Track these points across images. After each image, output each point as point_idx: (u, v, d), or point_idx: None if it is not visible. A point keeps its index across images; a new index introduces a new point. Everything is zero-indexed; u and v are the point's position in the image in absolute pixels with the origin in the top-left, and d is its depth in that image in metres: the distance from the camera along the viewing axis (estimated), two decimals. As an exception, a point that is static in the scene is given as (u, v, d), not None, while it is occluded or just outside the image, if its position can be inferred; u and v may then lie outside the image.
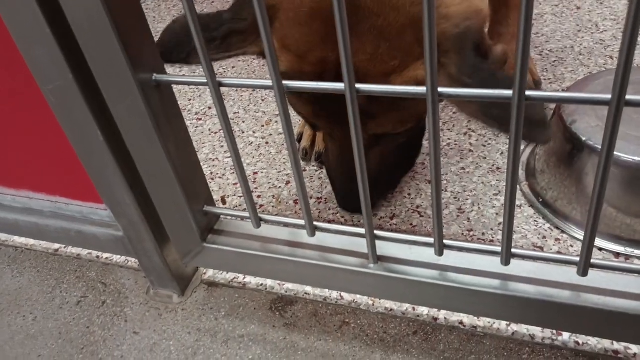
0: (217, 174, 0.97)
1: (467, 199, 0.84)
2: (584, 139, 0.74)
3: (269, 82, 0.48)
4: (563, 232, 0.77)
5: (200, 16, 0.52)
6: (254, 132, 1.06)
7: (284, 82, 0.48)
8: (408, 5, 0.61)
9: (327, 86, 0.48)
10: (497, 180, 0.87)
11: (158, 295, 0.78)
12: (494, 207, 0.82)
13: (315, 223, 0.60)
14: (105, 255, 0.85)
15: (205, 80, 0.50)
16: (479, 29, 0.61)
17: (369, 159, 0.71)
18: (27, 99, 0.65)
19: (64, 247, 0.88)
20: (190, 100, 1.18)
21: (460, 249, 0.57)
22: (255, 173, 0.96)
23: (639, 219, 0.73)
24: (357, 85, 0.46)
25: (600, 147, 0.72)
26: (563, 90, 1.01)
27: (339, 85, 0.46)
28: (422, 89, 0.44)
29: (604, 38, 1.16)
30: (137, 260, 0.82)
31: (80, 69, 0.54)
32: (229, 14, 0.67)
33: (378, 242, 0.59)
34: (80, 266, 0.85)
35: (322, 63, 0.64)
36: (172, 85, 0.58)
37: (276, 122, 1.08)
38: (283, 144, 1.02)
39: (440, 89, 0.44)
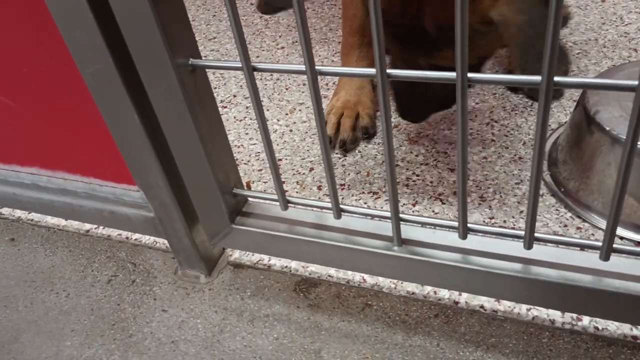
0: (242, 160, 0.99)
1: (488, 188, 0.85)
2: (607, 128, 0.75)
3: (302, 67, 0.50)
4: (584, 221, 0.78)
5: None
6: (278, 120, 1.08)
7: (317, 67, 0.50)
8: None
9: (359, 71, 0.50)
10: (519, 170, 0.88)
11: (186, 275, 0.81)
12: (516, 195, 0.83)
13: (341, 206, 0.62)
14: (135, 236, 0.88)
15: (240, 65, 0.52)
16: None
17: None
18: (65, 81, 0.67)
19: (95, 228, 0.91)
20: (215, 88, 1.20)
21: (484, 233, 0.58)
22: (280, 160, 0.98)
23: (660, 209, 0.73)
24: (388, 70, 0.47)
25: (623, 137, 0.73)
26: (586, 82, 1.02)
27: (370, 71, 0.48)
28: (452, 75, 0.46)
29: (628, 31, 1.15)
30: (165, 242, 0.85)
31: (119, 52, 0.56)
32: None
33: (402, 226, 0.61)
34: (110, 246, 0.88)
35: (406, 15, 0.71)
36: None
37: (300, 110, 1.10)
38: (307, 132, 1.04)
39: (469, 75, 0.45)
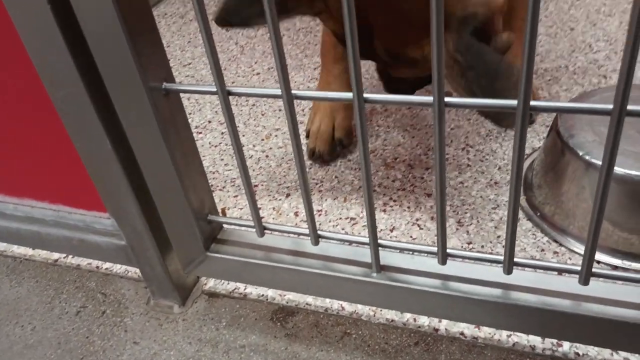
0: (218, 186, 0.98)
1: (465, 213, 0.85)
2: (581, 153, 0.76)
3: (278, 91, 0.49)
4: (561, 245, 0.78)
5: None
6: (253, 146, 1.07)
7: (293, 91, 0.49)
8: None
9: (335, 96, 0.49)
10: (495, 195, 0.88)
11: (158, 305, 0.78)
12: (493, 220, 0.83)
13: (318, 232, 0.61)
14: (105, 265, 0.85)
15: (215, 89, 0.51)
16: (486, 15, 0.70)
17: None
18: (33, 106, 0.66)
19: (64, 257, 0.88)
20: (190, 114, 1.19)
21: (463, 258, 0.58)
22: (256, 186, 0.96)
23: (635, 233, 0.74)
24: (365, 95, 0.47)
25: (597, 161, 0.74)
26: (558, 108, 1.03)
27: (347, 95, 0.47)
28: (428, 99, 0.45)
29: (597, 58, 1.18)
30: (137, 271, 0.82)
31: (91, 75, 0.55)
32: None
33: (381, 252, 0.60)
34: (79, 276, 0.85)
35: (360, 31, 0.76)
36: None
37: (276, 136, 1.09)
38: (283, 157, 1.03)
39: (446, 99, 0.45)
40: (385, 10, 0.73)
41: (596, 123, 0.78)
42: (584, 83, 1.11)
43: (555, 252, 0.77)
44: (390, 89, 0.93)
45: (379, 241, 0.58)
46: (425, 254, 0.61)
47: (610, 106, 0.41)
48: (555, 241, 0.79)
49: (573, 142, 0.77)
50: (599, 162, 0.73)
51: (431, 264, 0.60)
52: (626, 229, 0.74)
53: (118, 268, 0.85)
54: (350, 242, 0.64)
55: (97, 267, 0.86)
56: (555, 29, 1.30)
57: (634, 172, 0.71)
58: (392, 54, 0.78)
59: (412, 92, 0.94)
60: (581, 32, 1.28)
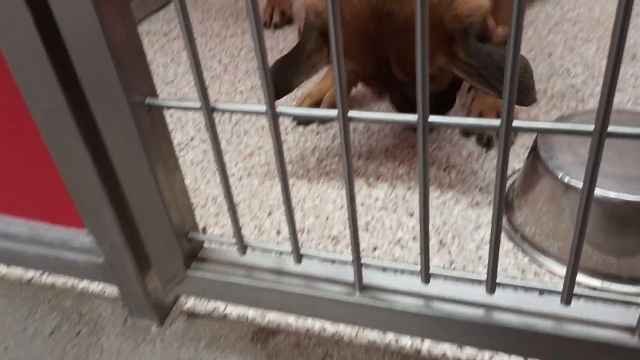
0: (199, 204, 0.97)
1: (447, 232, 0.86)
2: (560, 174, 0.76)
3: (262, 108, 0.49)
4: (541, 266, 0.79)
5: (284, 57, 0.90)
6: (236, 164, 1.06)
7: (278, 108, 0.49)
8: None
9: (320, 113, 0.49)
10: (476, 215, 0.88)
11: (136, 325, 0.76)
12: (474, 240, 0.84)
13: (301, 250, 0.60)
14: (82, 284, 0.83)
15: (199, 105, 0.51)
16: (479, 21, 0.80)
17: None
18: (12, 119, 0.64)
19: (38, 276, 0.86)
20: (172, 131, 1.18)
21: (446, 278, 0.58)
22: (238, 204, 0.96)
23: (613, 254, 0.75)
24: (350, 113, 0.47)
25: (577, 182, 0.75)
26: (538, 130, 1.05)
27: (332, 112, 0.48)
28: (413, 117, 0.46)
29: (574, 83, 1.21)
30: (115, 289, 0.81)
31: (72, 89, 0.54)
32: (303, 40, 0.90)
33: (364, 271, 0.60)
34: (54, 295, 0.83)
35: (378, 63, 0.87)
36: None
37: (258, 154, 1.08)
38: (265, 175, 1.02)
39: (430, 118, 0.45)
40: (398, 36, 0.82)
41: (575, 145, 0.80)
42: (562, 107, 1.13)
43: (536, 273, 0.78)
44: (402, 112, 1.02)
45: (362, 260, 0.58)
46: (408, 273, 0.60)
47: (592, 127, 0.41)
48: (536, 262, 0.80)
49: (553, 163, 0.78)
50: (579, 184, 0.74)
51: (414, 284, 0.60)
52: (605, 250, 0.75)
53: (95, 286, 0.83)
54: (333, 261, 0.64)
55: (73, 285, 0.84)
56: (534, 54, 1.33)
57: (612, 194, 0.72)
58: (408, 73, 0.86)
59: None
60: (559, 57, 1.31)
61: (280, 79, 0.90)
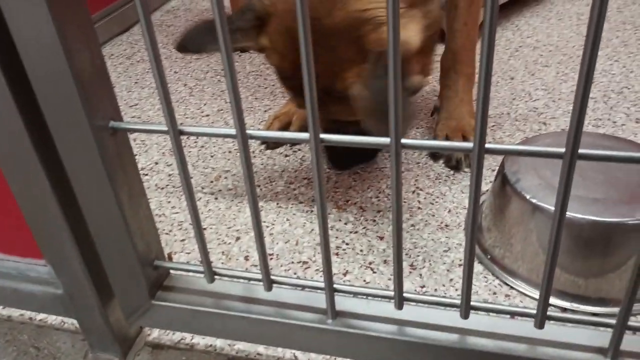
0: (164, 230, 0.94)
1: (418, 256, 0.85)
2: (528, 196, 0.77)
3: (232, 131, 0.48)
4: (512, 288, 0.79)
5: (208, 21, 0.81)
6: (202, 188, 1.04)
7: (248, 131, 0.48)
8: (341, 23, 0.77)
9: (291, 136, 0.49)
10: (446, 237, 0.89)
11: (97, 359, 0.73)
12: (445, 263, 0.84)
13: (272, 277, 0.58)
14: (40, 316, 0.79)
15: (166, 129, 0.50)
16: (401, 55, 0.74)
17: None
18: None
19: (-7, 308, 0.81)
20: (136, 155, 1.15)
21: (420, 303, 0.57)
22: (204, 229, 0.93)
23: (581, 275, 0.75)
24: (322, 135, 0.46)
25: (544, 204, 0.75)
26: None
27: (303, 135, 0.47)
28: (385, 140, 0.45)
29: (537, 106, 1.23)
30: (74, 322, 0.77)
31: (31, 113, 0.51)
32: (236, 16, 0.86)
33: (335, 297, 0.58)
34: (10, 329, 0.78)
35: (296, 67, 0.84)
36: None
37: (225, 177, 1.07)
38: (233, 200, 1.00)
39: (403, 140, 0.45)
40: (317, 45, 0.78)
41: (540, 167, 0.81)
42: (525, 129, 1.16)
43: (507, 295, 0.78)
44: (332, 162, 1.02)
45: (334, 286, 0.57)
46: (380, 298, 0.59)
47: (563, 149, 0.41)
48: (506, 284, 0.80)
49: (519, 185, 0.79)
50: (546, 205, 0.75)
51: (387, 309, 0.59)
52: (572, 271, 0.75)
53: (53, 319, 0.79)
54: (304, 287, 0.62)
55: (31, 318, 0.79)
56: (496, 78, 1.36)
57: (578, 215, 0.73)
58: (323, 87, 0.80)
59: (350, 167, 1.05)
60: (521, 81, 1.34)
61: (196, 36, 0.85)
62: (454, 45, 1.05)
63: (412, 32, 0.78)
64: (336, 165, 1.04)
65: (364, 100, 0.76)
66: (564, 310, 0.76)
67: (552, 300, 0.76)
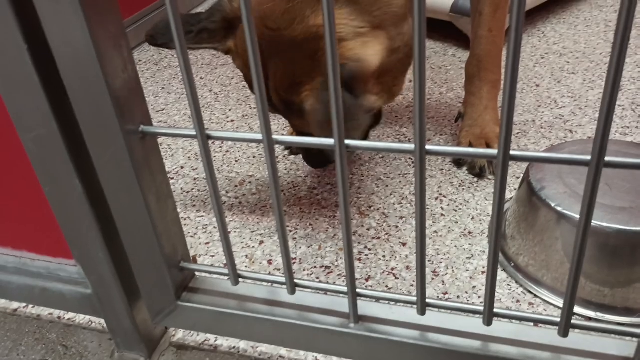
0: (189, 233, 0.96)
1: (441, 262, 0.85)
2: (553, 205, 0.77)
3: (259, 136, 0.49)
4: (536, 296, 0.78)
5: (183, 15, 0.79)
6: (227, 192, 1.06)
7: (274, 136, 0.49)
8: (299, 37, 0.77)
9: (316, 142, 0.49)
10: (469, 244, 0.88)
11: (123, 358, 0.74)
12: (467, 270, 0.83)
13: (295, 280, 0.59)
14: (68, 316, 0.81)
15: (194, 133, 0.51)
16: (354, 71, 0.77)
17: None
18: (1, 148, 0.64)
19: (24, 307, 0.83)
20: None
21: (443, 309, 0.57)
22: (229, 233, 0.94)
23: (607, 285, 0.74)
24: (347, 141, 0.47)
25: (569, 212, 0.75)
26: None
27: (329, 141, 0.47)
28: (410, 146, 0.46)
29: (562, 113, 1.22)
30: (102, 321, 0.79)
31: (64, 116, 0.53)
32: (205, 15, 0.84)
33: (358, 302, 0.59)
34: (40, 327, 0.80)
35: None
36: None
37: (249, 182, 1.08)
38: (257, 204, 1.01)
39: (427, 147, 0.45)
40: (277, 56, 0.79)
41: (565, 175, 0.80)
42: (551, 137, 1.15)
43: (530, 303, 0.77)
44: (307, 160, 1.00)
45: (357, 290, 0.57)
46: (403, 304, 0.60)
47: (589, 157, 0.41)
48: (530, 292, 0.79)
49: (545, 193, 0.78)
50: (571, 214, 0.74)
51: (410, 315, 0.59)
52: (598, 280, 0.74)
53: (81, 319, 0.81)
54: (327, 292, 0.63)
55: (59, 317, 0.81)
56: (521, 85, 1.35)
57: (604, 224, 0.72)
58: (284, 99, 0.83)
59: (325, 165, 1.03)
60: (546, 89, 1.33)
61: (165, 30, 0.84)
62: (478, 51, 1.05)
63: (371, 52, 0.78)
64: (310, 164, 1.02)
65: (316, 114, 0.77)
66: (589, 319, 0.75)
67: (577, 309, 0.76)
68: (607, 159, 0.41)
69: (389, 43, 0.82)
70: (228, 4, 0.84)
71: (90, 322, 0.80)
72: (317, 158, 0.98)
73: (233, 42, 0.85)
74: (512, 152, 0.43)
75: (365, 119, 0.84)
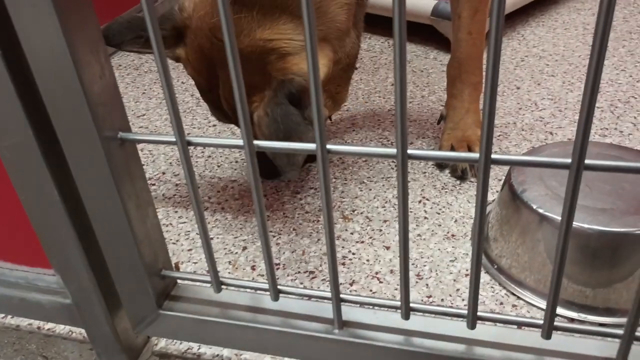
0: (171, 239, 0.94)
1: (424, 265, 0.85)
2: (535, 207, 0.77)
3: (240, 142, 0.48)
4: (519, 298, 0.79)
5: (137, 17, 0.81)
6: (209, 198, 1.05)
7: (255, 142, 0.48)
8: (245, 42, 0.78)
9: (298, 147, 0.49)
10: (452, 247, 0.88)
11: (104, 368, 0.73)
12: (451, 273, 0.83)
13: (279, 286, 0.59)
14: (48, 325, 0.80)
15: (174, 139, 0.50)
16: (301, 85, 0.78)
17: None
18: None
19: (2, 318, 0.81)
20: (143, 165, 1.16)
21: (427, 313, 0.57)
22: (211, 239, 0.93)
23: (589, 286, 0.75)
24: (329, 146, 0.47)
25: (551, 214, 0.75)
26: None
27: (310, 146, 0.47)
28: (392, 150, 0.45)
29: (543, 115, 1.24)
30: (82, 331, 0.77)
31: (40, 123, 0.52)
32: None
33: (342, 307, 0.58)
34: (19, 338, 0.79)
35: (210, 83, 0.85)
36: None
37: (232, 187, 1.07)
38: (239, 209, 1.01)
39: (409, 151, 0.45)
40: (226, 65, 0.78)
41: (547, 177, 0.81)
42: (532, 139, 1.16)
43: (514, 306, 0.78)
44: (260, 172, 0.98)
45: (341, 296, 0.57)
46: (387, 309, 0.59)
47: (569, 160, 0.42)
48: (513, 294, 0.80)
49: (526, 195, 0.79)
50: (553, 215, 0.75)
51: (394, 319, 0.59)
52: (580, 281, 0.75)
53: (61, 329, 0.79)
54: (310, 297, 0.62)
55: (39, 327, 0.80)
56: (502, 88, 1.36)
57: (585, 226, 0.73)
58: (232, 109, 0.84)
59: (274, 178, 1.06)
60: (527, 91, 1.34)
61: (117, 31, 0.85)
62: (459, 54, 1.06)
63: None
64: (263, 176, 1.04)
65: (264, 125, 0.78)
66: (572, 320, 0.75)
67: (560, 310, 0.76)
68: (587, 161, 0.41)
69: (333, 55, 0.85)
70: (178, 13, 0.85)
71: (70, 332, 0.79)
72: (266, 168, 0.98)
73: (183, 50, 0.87)
74: (493, 156, 0.43)
75: (311, 132, 0.86)
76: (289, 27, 0.79)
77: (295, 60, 0.79)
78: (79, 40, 0.47)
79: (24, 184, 0.57)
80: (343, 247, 0.90)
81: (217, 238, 0.94)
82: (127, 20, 0.86)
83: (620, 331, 0.50)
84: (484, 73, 1.06)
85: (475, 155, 0.44)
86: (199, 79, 0.87)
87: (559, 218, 0.45)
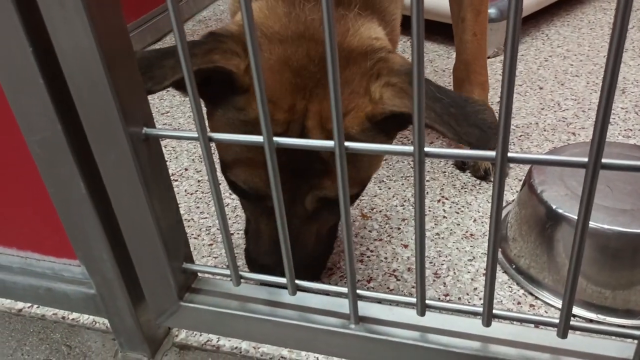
0: (192, 234, 0.96)
1: (442, 264, 0.85)
2: (554, 207, 0.77)
3: (260, 138, 0.49)
4: (537, 298, 0.79)
5: (158, 50, 0.65)
6: (230, 194, 1.06)
7: (275, 138, 0.49)
8: (355, 54, 0.67)
9: (317, 144, 0.50)
10: (470, 247, 0.88)
11: (127, 358, 0.75)
12: (469, 272, 0.84)
13: (297, 282, 0.60)
14: (72, 315, 0.82)
15: (196, 135, 0.51)
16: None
17: (306, 235, 0.75)
18: (5, 148, 0.64)
19: (28, 307, 0.84)
20: (166, 161, 1.18)
21: (442, 310, 0.57)
22: (232, 234, 0.95)
23: (608, 287, 0.74)
24: (346, 143, 0.47)
25: (570, 214, 0.75)
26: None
27: (329, 143, 0.48)
28: (409, 148, 0.46)
29: (565, 116, 1.22)
30: (106, 321, 0.79)
31: (69, 119, 0.54)
32: (206, 38, 0.67)
33: (359, 303, 0.59)
34: (44, 327, 0.81)
35: (292, 111, 0.66)
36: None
37: (253, 185, 1.08)
38: (260, 207, 1.02)
39: (426, 149, 0.46)
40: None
41: (567, 177, 0.80)
42: (553, 139, 1.15)
43: (531, 305, 0.77)
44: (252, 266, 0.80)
45: (358, 292, 0.57)
46: (403, 305, 0.60)
47: (586, 159, 0.42)
48: (531, 294, 0.79)
49: (546, 196, 0.79)
50: (572, 216, 0.75)
51: (410, 316, 0.59)
52: (599, 282, 0.75)
53: (85, 319, 0.82)
54: (328, 293, 0.63)
55: (63, 317, 0.82)
56: (525, 88, 1.35)
57: (605, 226, 0.72)
58: (327, 131, 0.70)
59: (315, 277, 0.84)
60: (550, 91, 1.33)
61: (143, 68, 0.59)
62: (465, 56, 1.07)
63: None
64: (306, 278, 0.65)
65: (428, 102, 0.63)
66: (590, 321, 0.75)
67: (578, 311, 0.76)
68: (604, 160, 0.42)
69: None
70: (237, 28, 0.68)
71: (94, 322, 0.81)
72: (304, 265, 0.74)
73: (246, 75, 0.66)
74: (510, 154, 0.44)
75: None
76: (381, 27, 0.73)
77: (397, 58, 0.68)
78: (107, 37, 0.48)
79: (52, 178, 0.59)
80: (361, 245, 0.91)
81: (238, 234, 0.95)
82: (149, 56, 0.64)
83: (637, 332, 0.50)
84: (498, 72, 1.05)
85: (492, 153, 0.44)
86: (274, 109, 0.65)
87: (576, 217, 0.45)
